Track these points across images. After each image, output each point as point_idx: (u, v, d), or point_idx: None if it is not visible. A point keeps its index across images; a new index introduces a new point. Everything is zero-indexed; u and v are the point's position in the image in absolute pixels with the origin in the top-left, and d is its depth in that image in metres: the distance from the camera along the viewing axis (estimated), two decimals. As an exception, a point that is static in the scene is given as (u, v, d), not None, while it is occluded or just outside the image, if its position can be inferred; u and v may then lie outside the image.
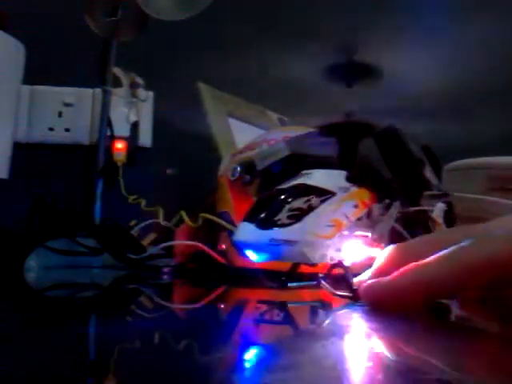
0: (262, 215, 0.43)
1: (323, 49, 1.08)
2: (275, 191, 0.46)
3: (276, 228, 0.42)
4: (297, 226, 0.43)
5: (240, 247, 0.43)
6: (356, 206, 0.46)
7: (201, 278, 0.67)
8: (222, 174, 0.72)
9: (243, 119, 1.06)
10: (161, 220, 0.77)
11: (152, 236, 0.79)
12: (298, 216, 0.43)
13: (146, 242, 0.77)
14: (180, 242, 0.72)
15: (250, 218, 0.43)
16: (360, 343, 0.30)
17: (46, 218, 0.76)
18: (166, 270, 0.71)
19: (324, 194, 0.45)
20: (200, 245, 0.67)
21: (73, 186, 0.91)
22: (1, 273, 0.62)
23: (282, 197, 0.44)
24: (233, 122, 1.03)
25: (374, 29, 1.08)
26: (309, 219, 0.43)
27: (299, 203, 0.44)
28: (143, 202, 0.81)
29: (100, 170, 0.86)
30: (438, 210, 0.55)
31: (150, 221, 0.79)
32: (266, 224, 0.42)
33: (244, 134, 0.95)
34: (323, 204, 0.44)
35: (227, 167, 0.70)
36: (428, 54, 1.12)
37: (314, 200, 0.44)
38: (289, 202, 0.44)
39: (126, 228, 0.78)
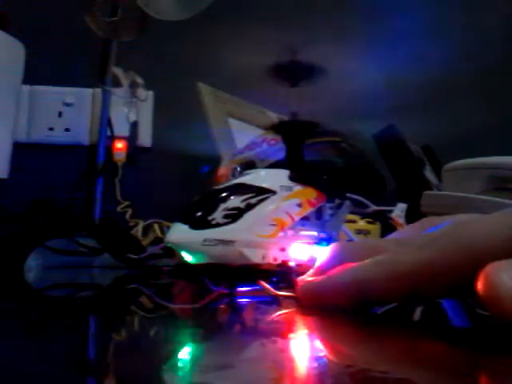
0: (196, 215, 0.42)
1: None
2: (212, 191, 0.45)
3: (210, 228, 0.41)
4: (233, 225, 0.42)
5: (173, 248, 0.42)
6: (300, 205, 0.45)
7: (201, 278, 0.67)
8: (222, 174, 0.71)
9: (243, 119, 1.06)
10: (139, 234, 0.77)
11: (152, 236, 0.79)
12: (234, 215, 0.42)
13: (145, 242, 0.77)
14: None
15: (184, 218, 0.43)
16: (299, 342, 0.30)
17: (46, 218, 0.76)
18: (165, 269, 0.71)
19: (263, 193, 0.44)
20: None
21: (73, 185, 0.92)
22: (1, 273, 0.62)
23: (218, 196, 0.43)
24: (233, 122, 1.03)
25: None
26: (246, 218, 0.42)
27: (236, 202, 0.43)
28: (129, 212, 0.81)
29: (100, 170, 0.86)
30: (398, 209, 0.55)
31: (150, 221, 0.79)
32: (199, 224, 0.42)
33: (244, 134, 0.95)
34: (263, 203, 0.43)
35: (227, 167, 0.69)
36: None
37: (253, 199, 0.43)
38: (224, 202, 0.43)
39: (126, 228, 0.78)
